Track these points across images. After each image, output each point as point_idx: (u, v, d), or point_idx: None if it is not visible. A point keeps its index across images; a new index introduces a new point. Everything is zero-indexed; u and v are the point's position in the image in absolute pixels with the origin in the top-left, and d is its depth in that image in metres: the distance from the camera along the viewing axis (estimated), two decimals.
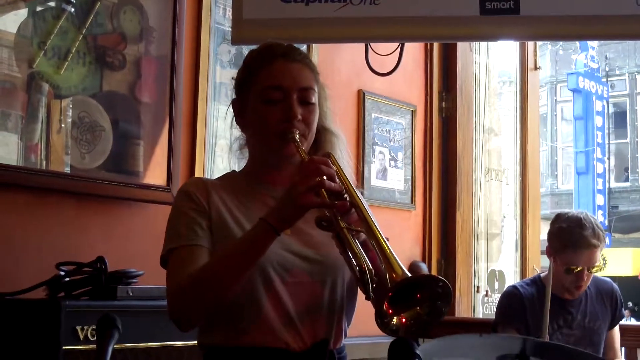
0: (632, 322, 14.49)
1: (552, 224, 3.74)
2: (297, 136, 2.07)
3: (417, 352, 1.82)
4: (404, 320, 1.85)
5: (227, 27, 3.75)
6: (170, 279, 2.04)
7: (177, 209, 2.11)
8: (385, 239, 1.88)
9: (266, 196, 2.14)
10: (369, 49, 3.94)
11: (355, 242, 1.92)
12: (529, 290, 3.71)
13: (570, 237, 3.59)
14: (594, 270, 3.61)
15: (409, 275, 1.81)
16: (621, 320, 3.87)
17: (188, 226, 2.06)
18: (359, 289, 1.94)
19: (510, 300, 3.73)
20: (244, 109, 2.17)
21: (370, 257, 1.90)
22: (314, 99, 2.13)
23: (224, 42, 3.88)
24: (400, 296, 1.82)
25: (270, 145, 2.11)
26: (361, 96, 4.62)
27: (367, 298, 1.86)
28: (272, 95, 2.09)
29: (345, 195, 1.94)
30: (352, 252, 1.91)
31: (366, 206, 1.98)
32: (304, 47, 4.25)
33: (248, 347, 2.02)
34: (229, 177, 2.24)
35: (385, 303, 1.81)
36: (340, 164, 2.08)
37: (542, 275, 3.81)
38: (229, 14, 3.61)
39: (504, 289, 4.14)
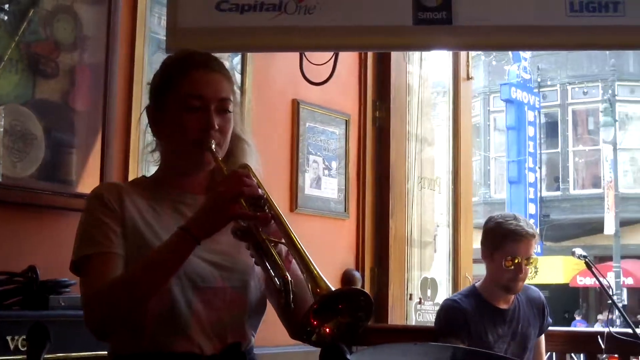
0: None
1: (486, 224, 3.83)
2: (214, 145, 2.09)
3: (349, 359, 1.85)
4: (327, 330, 1.88)
5: (162, 35, 3.73)
6: (85, 287, 2.04)
7: (90, 213, 2.10)
8: (306, 251, 1.92)
9: (179, 203, 2.16)
10: (304, 59, 3.95)
11: (275, 253, 1.96)
12: (467, 302, 3.76)
13: (508, 228, 3.69)
14: (531, 262, 3.70)
15: (332, 288, 1.85)
16: (549, 327, 3.97)
17: (102, 233, 2.05)
18: (269, 296, 2.08)
19: (450, 314, 3.76)
20: (160, 115, 2.18)
21: (288, 268, 1.94)
22: (231, 108, 2.16)
23: (159, 51, 3.85)
24: (324, 307, 1.86)
25: (186, 152, 2.14)
26: (296, 105, 4.63)
27: (287, 307, 1.91)
28: (192, 103, 2.11)
29: (266, 206, 1.98)
30: (273, 262, 1.96)
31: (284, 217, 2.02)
32: (238, 57, 4.26)
33: (162, 352, 2.03)
34: (140, 183, 2.25)
35: (310, 314, 1.84)
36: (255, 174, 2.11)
37: (477, 284, 3.87)
38: (164, 22, 3.60)
39: (441, 302, 4.17)
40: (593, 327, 20.38)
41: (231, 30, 3.30)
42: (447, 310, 3.82)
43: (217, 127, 2.10)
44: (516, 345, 3.73)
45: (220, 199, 1.95)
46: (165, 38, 3.46)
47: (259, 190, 1.99)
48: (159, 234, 2.05)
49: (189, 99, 2.11)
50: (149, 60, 3.84)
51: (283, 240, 1.99)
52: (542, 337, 3.96)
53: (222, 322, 2.09)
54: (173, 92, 2.14)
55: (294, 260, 1.98)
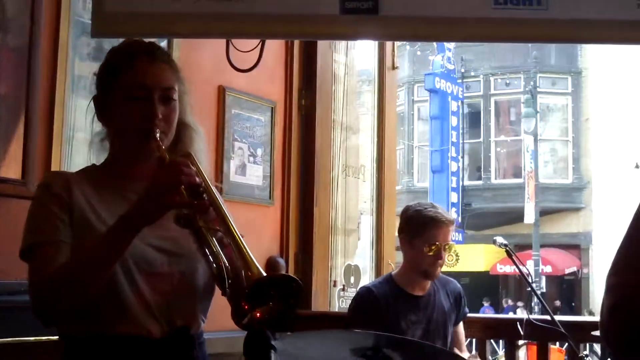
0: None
1: (404, 213, 3.89)
2: (158, 134, 2.12)
3: (273, 344, 1.88)
4: (258, 315, 1.94)
5: (87, 19, 3.68)
6: (34, 274, 2.06)
7: (38, 202, 2.13)
8: (241, 237, 1.98)
9: (127, 191, 2.18)
10: (230, 45, 3.95)
11: (213, 240, 2.03)
12: (382, 289, 3.80)
13: (427, 215, 3.76)
14: (449, 249, 3.77)
15: (264, 274, 1.91)
16: (465, 316, 4.05)
17: (50, 221, 2.08)
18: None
19: (364, 302, 3.80)
20: (107, 105, 2.21)
21: (227, 254, 2.00)
22: (175, 96, 2.20)
23: (84, 35, 3.81)
24: (255, 293, 1.91)
25: (132, 142, 2.18)
26: (222, 92, 4.62)
27: (224, 294, 1.99)
28: (136, 93, 2.15)
29: (204, 194, 2.00)
30: (210, 250, 2.03)
31: (223, 205, 2.07)
32: (164, 42, 4.23)
33: (110, 335, 2.08)
34: (90, 171, 2.27)
35: (242, 299, 1.90)
36: (199, 159, 2.17)
37: (393, 273, 3.93)
38: (89, 6, 3.55)
39: (358, 288, 4.22)
40: (506, 313, 20.84)
41: (157, 15, 3.27)
42: (360, 299, 3.86)
43: (161, 116, 2.14)
44: (432, 332, 3.79)
45: (158, 188, 1.99)
46: (90, 22, 3.42)
47: (197, 179, 2.03)
48: (107, 221, 2.08)
49: (133, 89, 2.15)
50: (74, 44, 3.79)
51: (220, 228, 2.04)
52: (461, 325, 4.03)
53: (171, 306, 2.14)
54: (118, 82, 2.17)
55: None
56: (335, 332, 2.81)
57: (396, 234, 5.64)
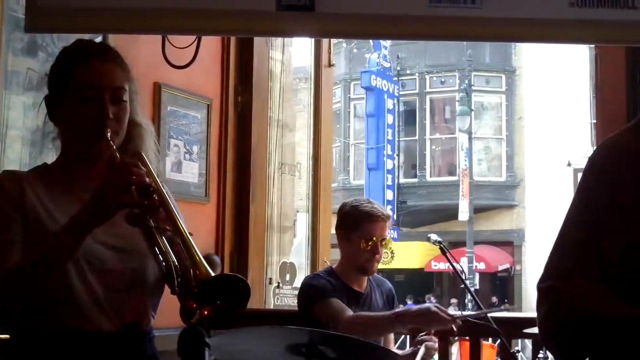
0: None
1: (341, 209, 3.94)
2: (109, 134, 2.16)
3: (208, 341, 1.90)
4: (205, 313, 2.00)
5: (21, 14, 3.61)
6: None
7: None
8: (189, 237, 2.02)
9: (79, 190, 2.21)
10: (166, 42, 3.92)
11: (163, 239, 2.10)
12: (327, 279, 3.82)
13: (364, 210, 3.81)
14: (386, 244, 3.81)
15: (212, 273, 1.99)
16: None
17: (2, 221, 2.12)
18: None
19: (317, 282, 3.81)
20: (58, 105, 2.24)
21: (176, 253, 2.05)
22: (126, 96, 2.24)
23: (17, 30, 3.75)
24: (202, 292, 1.98)
25: (83, 141, 2.21)
26: (157, 89, 4.57)
27: (173, 292, 2.07)
28: (86, 94, 2.18)
29: (154, 194, 2.04)
30: (159, 249, 2.10)
31: (173, 203, 2.15)
32: (99, 38, 4.17)
33: (61, 331, 2.13)
34: (42, 171, 2.30)
35: (190, 298, 1.94)
36: (150, 158, 2.24)
37: (334, 267, 3.95)
38: (23, 1, 3.50)
39: (305, 278, 4.22)
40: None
41: (92, 11, 3.24)
42: (312, 280, 3.88)
43: (112, 116, 2.17)
44: None
45: (108, 188, 2.04)
46: (24, 17, 3.36)
47: (147, 179, 2.08)
48: (59, 220, 2.11)
49: (84, 90, 2.18)
50: (7, 39, 3.72)
51: (169, 227, 2.11)
52: None
53: (121, 302, 2.19)
54: (69, 83, 2.21)
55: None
56: (270, 329, 2.81)
57: (332, 231, 5.66)
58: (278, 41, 5.52)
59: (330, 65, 5.91)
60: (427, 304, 3.86)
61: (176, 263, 2.07)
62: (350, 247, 3.83)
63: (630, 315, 1.60)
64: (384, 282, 4.10)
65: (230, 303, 2.02)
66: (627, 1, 3.25)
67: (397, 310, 3.93)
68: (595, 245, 1.67)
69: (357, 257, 3.81)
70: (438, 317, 3.60)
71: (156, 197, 2.08)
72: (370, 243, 3.77)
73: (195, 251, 2.03)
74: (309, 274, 5.49)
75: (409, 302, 23.51)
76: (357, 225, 3.81)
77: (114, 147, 2.16)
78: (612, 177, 1.69)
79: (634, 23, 3.26)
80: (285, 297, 5.41)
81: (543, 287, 1.74)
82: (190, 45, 3.86)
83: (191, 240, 2.06)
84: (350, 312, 3.63)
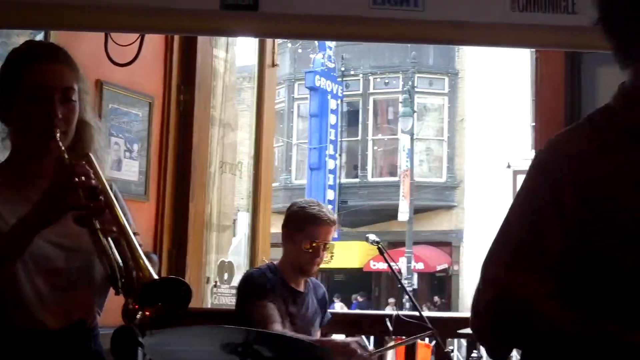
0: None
1: (290, 208, 3.97)
2: (58, 134, 2.19)
3: (141, 341, 1.93)
4: (147, 314, 2.06)
5: None
6: None
7: None
8: (134, 239, 2.05)
9: (28, 190, 2.24)
10: (109, 39, 3.90)
11: (108, 241, 2.14)
12: (267, 275, 3.84)
13: (311, 213, 3.85)
14: (328, 248, 3.85)
15: (155, 276, 2.04)
16: (328, 320, 4.15)
17: None
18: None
19: (256, 279, 3.84)
20: (8, 105, 2.26)
21: (121, 253, 2.09)
22: (75, 96, 2.27)
23: None
24: (145, 294, 2.04)
25: (33, 141, 2.25)
26: (99, 86, 4.54)
27: (117, 293, 2.12)
28: (36, 94, 2.21)
29: (101, 196, 2.07)
30: (104, 251, 2.13)
31: (121, 202, 2.22)
32: (41, 35, 4.14)
33: (8, 329, 2.16)
34: None
35: (132, 299, 1.97)
36: (100, 157, 2.30)
37: (277, 263, 3.98)
38: None
39: (246, 272, 4.24)
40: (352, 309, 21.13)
41: (33, 6, 3.21)
42: (251, 276, 3.90)
43: (61, 116, 2.20)
44: (301, 329, 3.84)
45: (56, 190, 2.07)
46: None
47: (93, 182, 2.11)
48: (8, 220, 2.14)
49: (33, 90, 2.21)
50: None
51: (115, 229, 2.14)
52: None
53: (67, 300, 2.22)
54: (18, 84, 2.23)
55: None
56: (206, 328, 2.82)
57: (272, 230, 5.68)
58: (222, 40, 5.50)
59: (273, 65, 5.91)
60: (350, 340, 3.85)
61: (120, 264, 2.10)
62: (293, 248, 3.87)
63: (565, 319, 1.65)
64: (320, 286, 4.16)
65: (172, 305, 2.08)
66: (568, 7, 3.31)
67: (321, 338, 4.00)
68: (538, 241, 1.71)
69: (299, 258, 3.85)
70: (356, 355, 3.64)
71: (102, 199, 2.11)
72: (312, 246, 3.81)
73: (139, 253, 2.07)
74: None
75: (336, 300, 23.62)
76: (302, 227, 3.84)
77: (63, 148, 2.18)
78: (555, 177, 1.72)
79: (574, 28, 3.32)
80: (222, 297, 5.41)
81: (488, 274, 1.76)
82: (133, 43, 3.85)
83: (136, 241, 2.11)
84: (278, 327, 3.65)
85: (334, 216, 3.98)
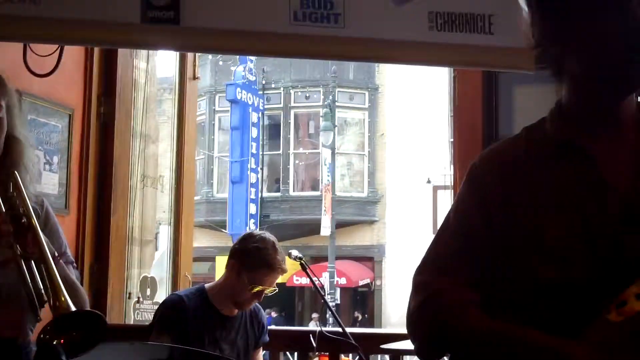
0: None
1: (245, 241, 3.89)
2: None
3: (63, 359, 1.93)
4: (62, 341, 2.03)
5: None
6: None
7: None
8: (54, 266, 2.04)
9: None
10: (28, 49, 3.84)
11: (30, 266, 2.12)
12: (193, 301, 3.80)
13: (266, 259, 3.78)
14: (269, 291, 3.82)
15: (72, 306, 2.04)
16: (265, 342, 4.12)
17: None
18: None
19: (172, 309, 3.79)
20: None
21: (41, 279, 2.07)
22: (2, 112, 2.25)
23: None
24: (60, 323, 2.03)
25: None
26: (18, 97, 4.46)
27: (37, 321, 2.14)
28: None
29: (23, 219, 2.06)
30: (23, 278, 2.11)
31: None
32: None
33: None
34: None
35: (48, 326, 2.01)
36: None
37: (207, 286, 3.93)
38: None
39: (167, 296, 4.20)
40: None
41: None
42: (170, 304, 3.86)
43: None
44: (230, 352, 3.82)
45: None
46: None
47: (19, 208, 2.11)
48: None
49: None
50: None
51: (36, 253, 2.13)
52: (260, 350, 4.12)
53: None
54: None
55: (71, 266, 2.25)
56: (129, 345, 2.79)
57: (194, 245, 5.64)
58: (143, 51, 5.46)
59: (195, 78, 5.89)
60: None
61: (41, 290, 2.09)
62: (236, 282, 3.82)
63: (487, 326, 1.68)
64: (260, 311, 4.12)
65: (87, 335, 2.05)
66: (485, 27, 3.38)
67: None
68: (467, 250, 1.77)
69: (239, 293, 3.81)
70: None
71: (25, 221, 2.10)
72: (257, 289, 3.77)
73: (58, 281, 2.05)
74: (169, 289, 5.46)
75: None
76: (252, 269, 3.79)
77: None
78: (483, 186, 1.78)
79: (491, 48, 3.40)
80: (145, 312, 5.34)
81: (418, 280, 1.80)
82: (53, 53, 3.79)
83: (55, 268, 2.09)
84: None
85: (286, 264, 3.91)
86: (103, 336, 2.08)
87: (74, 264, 2.76)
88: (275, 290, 3.90)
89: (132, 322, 5.22)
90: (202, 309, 3.77)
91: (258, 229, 23.88)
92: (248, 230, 4.18)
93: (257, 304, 4.08)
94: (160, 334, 3.68)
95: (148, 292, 5.43)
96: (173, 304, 3.83)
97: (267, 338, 4.12)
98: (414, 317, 1.79)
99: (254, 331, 4.00)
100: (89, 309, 2.82)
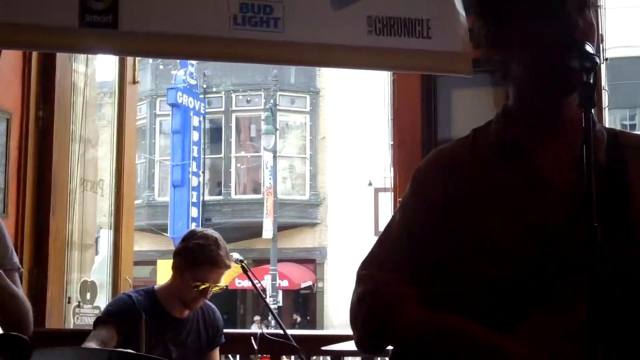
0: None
1: (187, 239, 3.86)
2: None
3: None
4: None
5: None
6: None
7: None
8: None
9: None
10: None
11: None
12: (143, 301, 3.78)
13: (208, 255, 3.75)
14: (216, 289, 3.80)
15: None
16: (221, 343, 4.10)
17: None
18: None
19: (121, 304, 3.77)
20: None
21: None
22: None
23: None
24: None
25: None
26: None
27: None
28: None
29: None
30: None
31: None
32: None
33: None
34: None
35: None
36: None
37: (156, 287, 3.91)
38: None
39: (117, 296, 4.17)
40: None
41: None
42: (117, 301, 3.84)
43: None
44: (179, 354, 3.81)
45: None
46: None
47: None
48: None
49: None
50: None
51: None
52: (217, 350, 4.10)
53: None
54: None
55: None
56: (69, 350, 2.78)
57: (135, 248, 5.61)
58: (82, 55, 5.42)
59: (135, 82, 5.85)
60: None
61: None
62: (181, 281, 3.79)
63: (419, 321, 1.73)
64: (215, 312, 4.10)
65: (11, 357, 2.02)
66: (423, 31, 3.43)
67: None
68: (411, 248, 1.82)
69: (185, 293, 3.79)
70: None
71: None
72: (202, 287, 3.75)
73: None
74: (110, 293, 5.42)
75: None
76: (195, 266, 3.76)
77: None
78: (428, 185, 1.84)
79: (429, 52, 3.44)
80: (85, 317, 5.30)
81: (361, 274, 1.85)
82: None
83: None
84: (90, 344, 3.50)
85: (230, 258, 3.87)
86: (28, 357, 2.05)
87: (20, 270, 2.72)
88: (223, 287, 3.88)
89: (71, 327, 5.18)
90: (152, 310, 3.74)
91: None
92: (190, 229, 4.11)
93: (213, 306, 4.07)
94: (106, 324, 3.63)
95: (88, 296, 5.39)
96: (122, 302, 3.80)
97: (222, 340, 4.10)
98: (354, 309, 1.83)
99: (207, 333, 3.98)
100: (30, 320, 2.78)
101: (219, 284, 3.82)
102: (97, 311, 5.00)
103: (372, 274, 1.84)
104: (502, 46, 1.80)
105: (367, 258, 1.88)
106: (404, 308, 1.75)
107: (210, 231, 3.91)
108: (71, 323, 5.23)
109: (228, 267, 3.84)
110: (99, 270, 5.72)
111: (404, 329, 1.75)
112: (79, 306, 5.30)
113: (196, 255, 3.78)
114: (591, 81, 1.56)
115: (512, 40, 1.77)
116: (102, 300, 5.20)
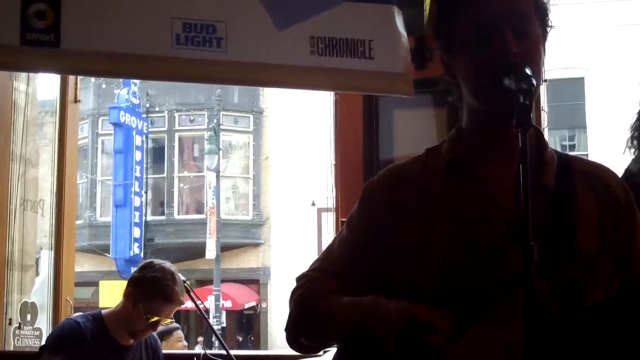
0: None
1: (144, 270, 3.83)
2: None
3: None
4: None
5: None
6: None
7: None
8: None
9: None
10: None
11: None
12: (89, 327, 3.73)
13: (164, 289, 3.73)
14: (166, 322, 3.78)
15: None
16: None
17: None
18: None
19: (68, 331, 3.71)
20: None
21: None
22: None
23: None
24: None
25: None
26: None
27: None
28: None
29: None
30: None
31: None
32: None
33: None
34: None
35: None
36: None
37: (104, 313, 3.87)
38: None
39: (63, 320, 4.12)
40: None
41: None
42: (64, 327, 3.79)
43: None
44: None
45: None
46: None
47: None
48: None
49: None
50: None
51: None
52: None
53: None
54: None
55: None
56: None
57: (76, 269, 5.55)
58: (23, 73, 5.38)
59: (76, 101, 5.81)
60: None
61: None
62: (132, 311, 3.75)
63: (336, 305, 1.79)
64: (157, 342, 4.08)
65: None
66: (365, 52, 3.46)
67: None
68: (355, 260, 1.88)
69: (135, 323, 3.75)
70: None
71: None
72: (153, 320, 3.73)
73: None
74: (51, 314, 5.36)
75: None
76: (149, 298, 3.73)
77: None
78: (375, 203, 1.89)
79: (371, 72, 3.47)
80: (26, 339, 5.23)
81: (299, 276, 1.93)
82: None
83: None
84: None
85: (184, 295, 3.85)
86: None
87: None
88: (172, 321, 3.86)
89: (12, 349, 5.11)
90: (98, 336, 3.71)
91: (142, 253, 23.67)
92: (148, 259, 4.07)
93: (154, 335, 4.04)
94: (54, 352, 3.60)
95: (29, 317, 5.32)
96: (70, 328, 3.75)
97: None
98: (289, 303, 1.90)
99: (149, 358, 3.96)
100: None
101: (169, 318, 3.80)
102: (37, 332, 4.94)
103: (308, 275, 1.92)
104: (451, 69, 1.88)
105: (311, 264, 1.95)
106: (325, 298, 1.82)
107: (167, 264, 3.88)
108: (11, 345, 5.16)
109: (182, 303, 3.82)
110: (40, 292, 5.65)
111: (329, 314, 1.80)
112: (19, 328, 5.23)
113: (151, 288, 3.75)
114: (527, 102, 1.60)
115: (458, 63, 1.85)
116: (43, 322, 5.13)
